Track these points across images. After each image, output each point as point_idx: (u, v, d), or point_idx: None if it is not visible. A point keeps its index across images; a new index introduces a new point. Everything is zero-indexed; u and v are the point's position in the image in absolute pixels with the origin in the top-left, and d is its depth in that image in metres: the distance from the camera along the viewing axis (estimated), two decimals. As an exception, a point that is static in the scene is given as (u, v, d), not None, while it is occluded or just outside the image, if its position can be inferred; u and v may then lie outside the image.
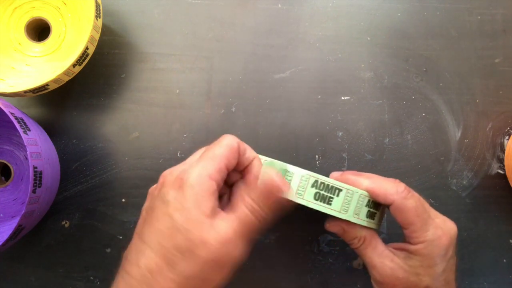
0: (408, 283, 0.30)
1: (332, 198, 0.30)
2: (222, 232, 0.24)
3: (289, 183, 0.30)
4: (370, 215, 0.31)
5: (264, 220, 0.26)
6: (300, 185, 0.30)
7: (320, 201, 0.30)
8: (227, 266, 0.25)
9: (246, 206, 0.26)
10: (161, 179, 0.27)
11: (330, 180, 0.30)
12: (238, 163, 0.28)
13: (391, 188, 0.30)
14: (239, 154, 0.28)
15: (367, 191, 0.31)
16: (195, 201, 0.24)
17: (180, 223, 0.24)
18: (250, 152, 0.29)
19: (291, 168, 0.30)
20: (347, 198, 0.30)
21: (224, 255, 0.24)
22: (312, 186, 0.30)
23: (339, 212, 0.30)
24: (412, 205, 0.30)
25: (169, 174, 0.27)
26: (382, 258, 0.30)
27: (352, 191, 0.30)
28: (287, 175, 0.30)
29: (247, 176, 0.28)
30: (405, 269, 0.30)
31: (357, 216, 0.31)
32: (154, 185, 0.29)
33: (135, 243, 0.26)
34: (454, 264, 0.31)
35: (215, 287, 0.25)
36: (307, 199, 0.30)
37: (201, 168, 0.25)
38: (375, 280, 0.31)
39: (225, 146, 0.27)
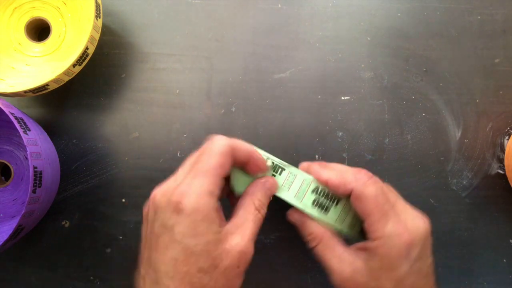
0: None
1: (330, 207, 0.30)
2: (238, 240, 0.25)
3: (290, 185, 0.30)
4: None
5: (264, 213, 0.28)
6: (300, 189, 0.30)
7: (318, 208, 0.30)
8: (245, 269, 0.26)
9: (256, 207, 0.27)
10: (152, 200, 0.26)
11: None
12: (235, 162, 0.28)
13: (350, 176, 0.28)
14: (233, 155, 0.27)
15: (327, 182, 0.29)
16: (204, 224, 0.24)
17: (197, 248, 0.24)
18: (243, 147, 0.28)
19: (294, 170, 0.30)
20: (345, 208, 0.30)
21: (244, 260, 0.25)
22: (312, 192, 0.30)
23: (334, 222, 0.30)
24: (372, 192, 0.27)
25: (162, 196, 0.25)
26: (340, 261, 0.28)
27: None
28: (290, 176, 0.30)
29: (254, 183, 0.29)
30: (365, 273, 0.27)
31: (352, 228, 0.30)
32: (146, 207, 0.27)
33: (147, 273, 0.25)
34: (425, 268, 0.27)
35: None
36: (305, 203, 0.30)
37: (199, 187, 0.24)
38: (335, 285, 0.29)
39: (217, 156, 0.26)
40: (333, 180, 0.29)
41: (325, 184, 0.29)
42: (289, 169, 0.30)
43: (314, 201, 0.30)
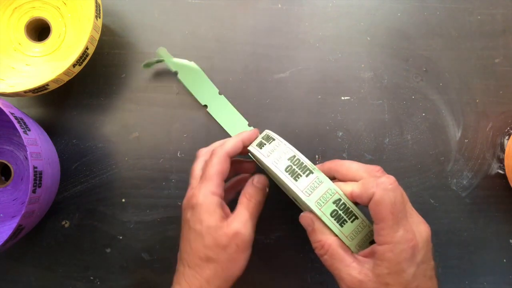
0: None
1: (346, 222, 0.30)
2: (235, 224, 0.31)
3: (313, 190, 0.30)
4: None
5: (261, 201, 0.34)
6: (323, 196, 0.30)
7: (334, 219, 0.30)
8: (247, 246, 0.32)
9: (247, 199, 0.33)
10: (182, 205, 0.34)
11: (351, 204, 0.30)
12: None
13: (371, 182, 0.29)
14: (236, 154, 0.34)
15: (351, 195, 0.30)
16: (207, 213, 0.31)
17: (202, 231, 0.31)
18: (236, 146, 0.34)
19: (322, 177, 0.30)
20: (359, 227, 0.30)
21: (241, 239, 0.31)
22: (334, 202, 0.30)
23: (346, 237, 0.30)
24: (391, 199, 0.27)
25: (185, 200, 0.33)
26: (349, 270, 0.29)
27: (367, 223, 0.30)
28: (315, 182, 0.30)
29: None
30: (374, 280, 0.28)
31: (358, 248, 0.30)
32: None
33: (179, 257, 0.33)
34: (429, 269, 0.28)
35: (242, 265, 0.32)
36: (324, 212, 0.30)
37: (204, 189, 0.32)
38: None
39: (217, 165, 0.33)
40: (356, 192, 0.30)
41: (349, 196, 0.30)
42: (317, 174, 0.30)
43: (333, 211, 0.30)
